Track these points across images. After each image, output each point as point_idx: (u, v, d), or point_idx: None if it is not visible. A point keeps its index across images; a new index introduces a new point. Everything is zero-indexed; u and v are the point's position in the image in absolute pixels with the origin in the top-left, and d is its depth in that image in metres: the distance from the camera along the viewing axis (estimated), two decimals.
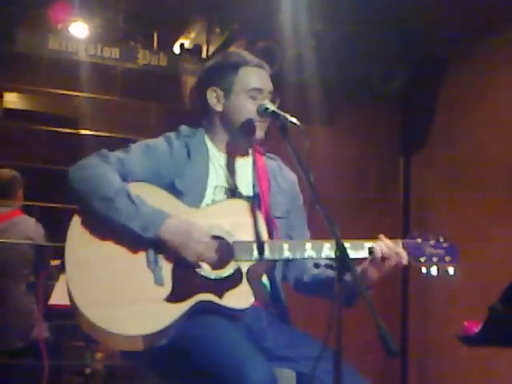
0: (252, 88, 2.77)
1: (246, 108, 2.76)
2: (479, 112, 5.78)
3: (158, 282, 2.50)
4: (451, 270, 2.64)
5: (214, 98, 2.82)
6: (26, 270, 5.23)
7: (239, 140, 2.82)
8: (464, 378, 5.54)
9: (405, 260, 2.61)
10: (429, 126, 6.37)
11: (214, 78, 2.83)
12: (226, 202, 2.72)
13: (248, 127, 2.76)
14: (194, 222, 2.55)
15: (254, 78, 2.80)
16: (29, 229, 5.29)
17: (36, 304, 5.11)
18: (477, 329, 2.75)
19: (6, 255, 5.21)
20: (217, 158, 2.81)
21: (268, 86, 2.81)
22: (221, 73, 2.83)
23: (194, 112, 2.92)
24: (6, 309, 5.14)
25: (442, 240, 2.69)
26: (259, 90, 2.77)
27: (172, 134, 2.82)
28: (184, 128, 2.85)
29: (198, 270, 2.53)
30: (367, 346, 4.48)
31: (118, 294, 2.47)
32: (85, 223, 2.56)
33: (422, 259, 2.65)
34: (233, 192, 2.76)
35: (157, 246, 2.52)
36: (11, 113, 7.15)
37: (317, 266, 2.75)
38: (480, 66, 5.75)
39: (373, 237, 2.64)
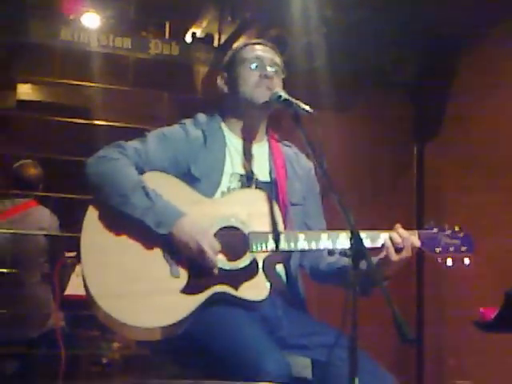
0: (249, 57, 2.82)
1: (247, 74, 2.79)
2: (493, 97, 5.75)
3: (174, 273, 2.51)
4: (467, 261, 2.65)
5: (221, 81, 2.88)
6: (41, 259, 5.27)
7: (249, 110, 2.81)
8: (480, 364, 5.53)
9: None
10: (442, 112, 6.34)
11: (223, 66, 2.92)
12: (241, 191, 2.72)
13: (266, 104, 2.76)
14: (207, 230, 2.54)
15: (251, 50, 2.86)
16: (43, 219, 5.33)
17: (52, 294, 5.14)
18: (493, 315, 2.75)
19: (21, 245, 5.25)
20: (233, 144, 2.81)
21: (267, 55, 2.84)
22: (228, 60, 2.91)
23: (207, 101, 2.95)
24: (22, 298, 5.18)
25: (457, 230, 2.68)
26: (258, 59, 2.81)
27: (188, 121, 2.84)
28: (201, 115, 2.87)
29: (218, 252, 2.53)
30: (383, 333, 4.47)
31: (133, 286, 2.47)
32: (101, 215, 2.57)
33: (438, 250, 2.65)
34: (249, 179, 2.76)
35: (169, 242, 2.52)
36: (24, 104, 7.16)
37: (331, 253, 2.75)
38: (494, 51, 5.71)
39: (388, 226, 2.64)
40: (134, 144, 2.70)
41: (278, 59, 2.86)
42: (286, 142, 2.97)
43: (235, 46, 2.96)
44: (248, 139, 2.84)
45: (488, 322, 2.80)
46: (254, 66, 2.80)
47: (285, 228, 2.64)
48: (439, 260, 2.66)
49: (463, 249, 2.66)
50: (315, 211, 2.91)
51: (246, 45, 2.90)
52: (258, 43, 2.91)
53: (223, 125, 2.86)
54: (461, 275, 5.37)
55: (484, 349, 5.21)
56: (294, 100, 2.62)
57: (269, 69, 2.79)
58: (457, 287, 5.86)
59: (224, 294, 2.50)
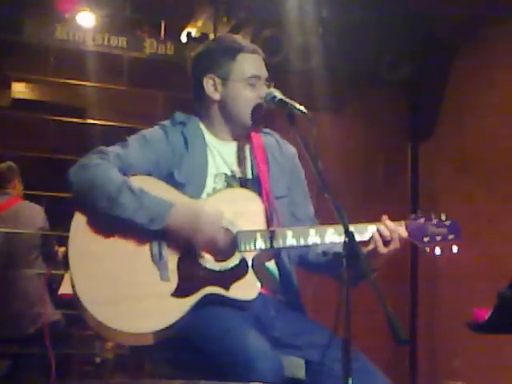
0: (251, 75, 2.73)
1: (246, 96, 2.73)
2: (489, 98, 5.76)
3: (164, 277, 2.49)
4: (455, 248, 2.64)
5: (211, 86, 2.77)
6: (32, 255, 5.26)
7: (238, 127, 2.78)
8: (473, 364, 5.54)
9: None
10: (438, 112, 6.35)
11: (211, 65, 2.78)
12: (226, 191, 2.70)
13: (256, 114, 2.74)
14: (202, 206, 2.54)
15: (252, 65, 2.76)
16: (30, 214, 5.33)
17: (43, 290, 5.14)
18: (486, 315, 2.75)
19: (12, 243, 5.25)
20: (214, 145, 2.78)
21: (265, 72, 2.78)
22: (217, 59, 2.77)
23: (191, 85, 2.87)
24: (15, 295, 5.18)
25: (444, 218, 2.68)
26: (257, 77, 2.74)
27: (167, 123, 2.78)
28: (179, 115, 2.81)
29: (202, 262, 2.52)
30: (376, 333, 4.48)
31: (123, 291, 2.46)
32: (87, 222, 2.54)
33: (426, 239, 2.64)
34: (233, 178, 2.74)
35: (164, 236, 2.51)
36: (19, 103, 7.16)
37: (325, 254, 2.74)
38: (490, 51, 5.73)
39: (376, 219, 2.64)
40: (115, 149, 2.66)
41: (266, 70, 2.79)
42: (265, 129, 2.91)
43: (230, 46, 2.78)
44: (228, 139, 2.81)
45: (481, 323, 2.81)
46: (252, 86, 2.72)
47: (273, 223, 2.63)
48: (427, 249, 2.65)
49: (450, 237, 2.64)
50: (302, 200, 2.88)
51: (240, 50, 2.77)
52: (254, 51, 2.80)
53: (202, 125, 2.81)
54: (454, 275, 5.39)
55: (477, 350, 5.23)
56: (288, 100, 2.60)
57: (265, 87, 2.74)
58: (451, 287, 5.87)
59: (215, 295, 2.49)
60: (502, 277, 2.87)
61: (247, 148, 2.84)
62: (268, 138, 2.90)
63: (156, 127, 2.78)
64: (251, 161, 2.81)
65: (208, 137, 2.80)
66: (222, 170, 2.75)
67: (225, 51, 2.78)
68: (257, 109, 2.73)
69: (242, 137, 2.83)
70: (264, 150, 2.84)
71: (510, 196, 5.42)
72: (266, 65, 2.82)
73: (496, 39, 5.64)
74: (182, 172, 2.68)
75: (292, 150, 2.90)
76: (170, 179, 2.67)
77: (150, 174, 2.66)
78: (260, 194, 2.70)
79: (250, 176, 2.78)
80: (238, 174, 2.76)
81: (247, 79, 2.73)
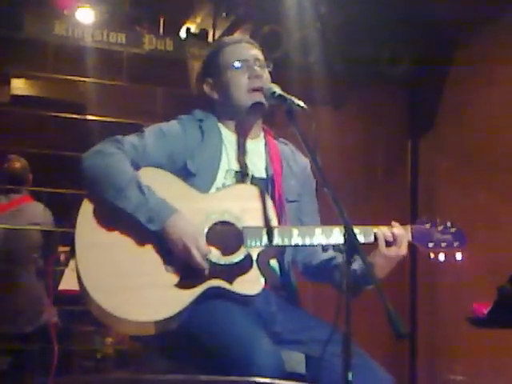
0: (234, 60, 2.81)
1: (236, 79, 2.79)
2: (489, 93, 5.76)
3: (168, 268, 2.51)
4: (459, 256, 2.66)
5: (209, 88, 2.88)
6: (35, 254, 5.27)
7: (241, 113, 2.80)
8: (474, 360, 5.55)
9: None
10: (437, 108, 6.35)
11: (205, 71, 2.92)
12: (235, 186, 2.72)
13: (253, 97, 2.76)
14: (201, 228, 2.55)
15: (234, 52, 2.84)
16: (37, 214, 5.34)
17: (45, 289, 5.15)
18: (486, 310, 2.76)
19: (15, 241, 5.25)
20: (229, 141, 2.81)
21: (251, 54, 2.84)
22: (207, 64, 2.92)
23: (200, 97, 2.94)
24: (16, 293, 5.19)
25: (449, 225, 2.70)
26: (243, 61, 2.80)
27: (186, 117, 2.84)
28: (198, 112, 2.87)
29: (208, 256, 2.53)
30: (376, 329, 4.48)
31: (128, 280, 2.48)
32: (95, 209, 2.57)
33: (431, 245, 2.67)
34: (245, 175, 2.76)
35: (161, 238, 2.53)
36: (18, 99, 7.15)
37: (325, 249, 2.76)
38: (490, 46, 5.72)
39: (382, 222, 2.65)
40: (131, 139, 2.70)
41: (259, 53, 2.87)
42: (282, 139, 2.97)
43: (214, 48, 2.95)
44: (243, 136, 2.84)
45: (481, 317, 2.82)
46: (241, 68, 2.79)
47: (280, 224, 2.64)
48: (431, 255, 2.67)
49: (455, 244, 2.68)
50: (310, 208, 2.91)
51: (223, 46, 2.89)
52: (236, 41, 2.91)
53: (219, 122, 2.86)
54: (455, 271, 5.39)
55: (477, 344, 5.23)
56: (288, 96, 2.61)
57: (256, 68, 2.79)
58: (451, 283, 5.88)
59: (218, 288, 2.50)
60: (502, 272, 2.88)
61: (263, 148, 2.88)
62: (283, 147, 2.95)
63: (174, 121, 2.83)
64: (266, 161, 2.84)
65: (225, 134, 2.83)
66: (234, 166, 2.78)
67: (212, 55, 2.92)
68: (253, 88, 2.76)
69: (254, 132, 2.86)
70: (279, 154, 2.89)
71: (509, 191, 5.42)
72: (263, 52, 2.90)
73: (496, 35, 5.64)
74: (195, 162, 2.72)
75: (305, 160, 2.94)
76: (183, 170, 2.70)
77: (162, 167, 2.68)
78: (272, 194, 2.73)
79: (263, 175, 2.81)
80: (251, 172, 2.78)
81: (232, 64, 2.80)
